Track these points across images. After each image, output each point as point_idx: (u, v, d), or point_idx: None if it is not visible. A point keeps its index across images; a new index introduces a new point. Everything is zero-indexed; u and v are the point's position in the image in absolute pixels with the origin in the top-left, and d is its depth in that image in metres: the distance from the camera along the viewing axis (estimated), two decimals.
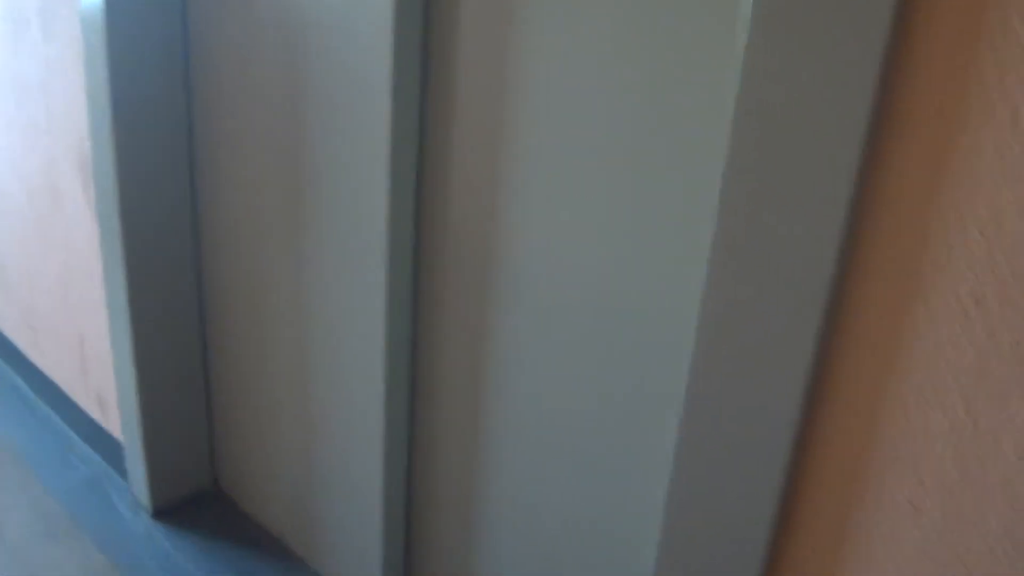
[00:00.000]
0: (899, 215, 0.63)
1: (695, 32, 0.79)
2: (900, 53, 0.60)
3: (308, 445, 1.35)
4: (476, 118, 1.00)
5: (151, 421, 1.50)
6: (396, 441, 1.22)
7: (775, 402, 0.70)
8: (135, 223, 1.35)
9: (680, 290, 0.87)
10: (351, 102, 1.06)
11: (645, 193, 0.87)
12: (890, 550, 0.69)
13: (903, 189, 0.62)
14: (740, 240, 0.69)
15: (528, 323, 1.02)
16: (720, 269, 0.71)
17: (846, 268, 0.66)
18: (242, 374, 1.45)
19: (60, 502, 1.77)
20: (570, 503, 1.05)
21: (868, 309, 0.66)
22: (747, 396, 0.72)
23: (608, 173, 0.89)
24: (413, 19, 1.00)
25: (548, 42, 0.91)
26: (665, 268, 0.87)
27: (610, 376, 0.95)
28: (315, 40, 1.09)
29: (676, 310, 0.88)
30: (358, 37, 1.02)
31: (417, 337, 1.18)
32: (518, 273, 1.01)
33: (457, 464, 1.18)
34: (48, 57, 1.49)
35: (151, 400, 1.49)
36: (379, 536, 1.26)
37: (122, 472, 1.63)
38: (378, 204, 1.06)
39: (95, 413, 1.75)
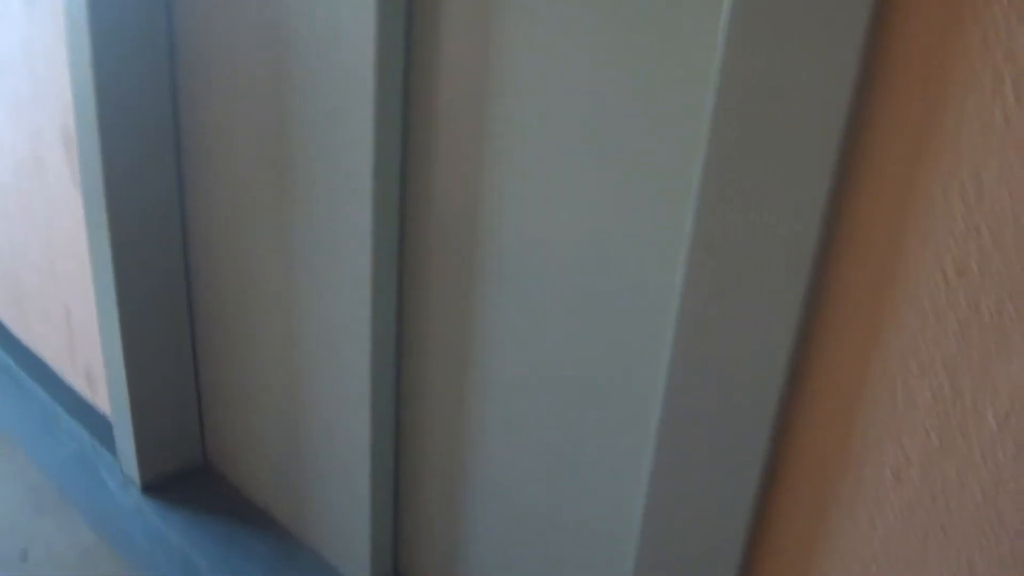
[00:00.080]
0: (882, 186, 0.63)
1: (677, 10, 0.78)
2: (885, 23, 0.60)
3: (296, 419, 1.35)
4: (461, 103, 1.00)
5: (139, 396, 1.50)
6: (383, 416, 1.22)
7: (759, 377, 0.71)
8: (120, 196, 1.34)
9: (663, 272, 0.87)
10: (335, 76, 1.05)
11: (628, 173, 0.86)
12: (873, 520, 0.70)
13: (886, 160, 0.62)
14: (721, 219, 0.69)
15: (513, 304, 1.02)
16: (702, 247, 0.71)
17: (829, 241, 0.66)
18: (230, 349, 1.45)
19: (49, 477, 1.77)
20: (555, 477, 1.05)
21: (851, 282, 0.66)
22: (730, 371, 0.72)
23: (592, 156, 0.89)
24: (397, 5, 0.99)
25: (532, 24, 0.90)
26: (648, 249, 0.87)
27: (593, 353, 0.96)
28: (299, 14, 1.08)
29: (659, 291, 0.88)
30: (342, 22, 1.01)
31: (403, 316, 1.17)
32: (503, 255, 1.01)
33: (444, 437, 1.19)
34: (30, 31, 1.47)
35: (139, 375, 1.48)
36: (367, 509, 1.26)
37: (111, 447, 1.63)
38: (363, 184, 1.06)
39: (83, 388, 1.75)
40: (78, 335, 1.68)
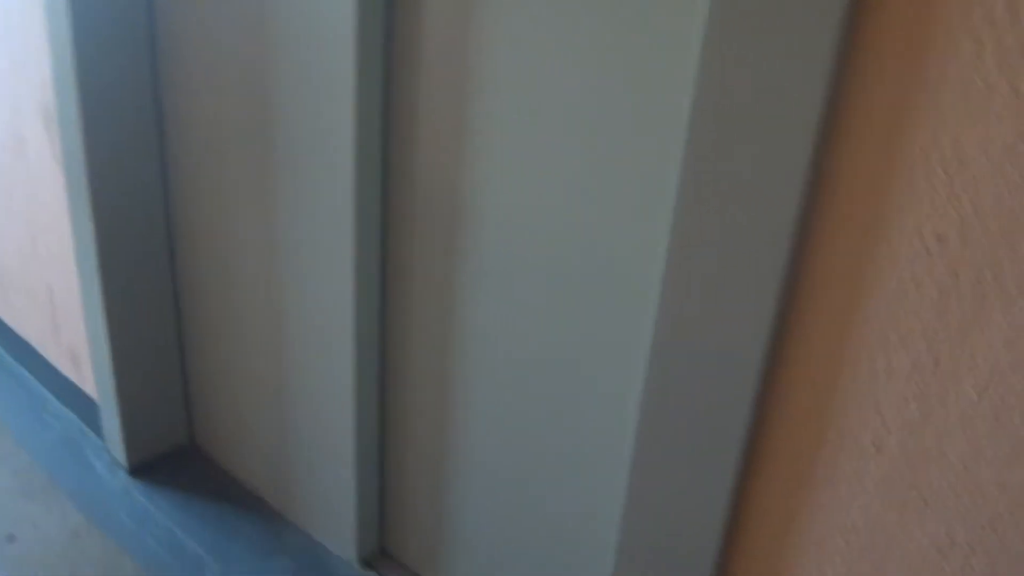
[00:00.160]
0: (864, 154, 0.62)
1: None
2: None
3: (282, 400, 1.35)
4: (442, 90, 0.99)
5: (125, 378, 1.49)
6: (368, 398, 1.22)
7: (740, 347, 0.71)
8: (102, 174, 1.33)
9: (648, 245, 0.86)
10: (315, 61, 1.04)
11: (610, 160, 0.86)
12: (853, 488, 0.70)
13: (868, 127, 0.62)
14: (705, 189, 0.68)
15: (496, 289, 1.02)
16: (685, 218, 0.70)
17: (811, 209, 0.66)
18: (216, 330, 1.44)
19: (36, 460, 1.76)
20: (537, 457, 1.05)
21: (832, 250, 0.66)
22: (712, 340, 0.72)
23: (574, 126, 0.88)
24: None
25: (517, 5, 0.89)
26: (630, 232, 0.87)
27: (576, 323, 0.96)
28: None
29: (644, 264, 0.87)
30: (322, 5, 1.00)
31: (386, 295, 1.17)
32: (486, 240, 1.01)
33: (428, 419, 1.19)
34: (6, 3, 1.45)
35: (124, 357, 1.48)
36: (353, 489, 1.26)
37: (98, 430, 1.63)
38: (345, 168, 1.05)
39: (68, 371, 1.74)
40: (61, 315, 1.66)
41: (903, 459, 0.66)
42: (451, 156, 1.01)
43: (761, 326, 0.69)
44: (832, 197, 0.65)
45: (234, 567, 1.36)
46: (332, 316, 1.17)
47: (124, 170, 1.35)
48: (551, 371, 1.01)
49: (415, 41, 1.01)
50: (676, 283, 0.73)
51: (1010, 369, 0.59)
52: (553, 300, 0.97)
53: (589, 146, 0.88)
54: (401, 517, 1.32)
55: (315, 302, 1.20)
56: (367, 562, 1.35)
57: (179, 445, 1.63)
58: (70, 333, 1.66)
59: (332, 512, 1.33)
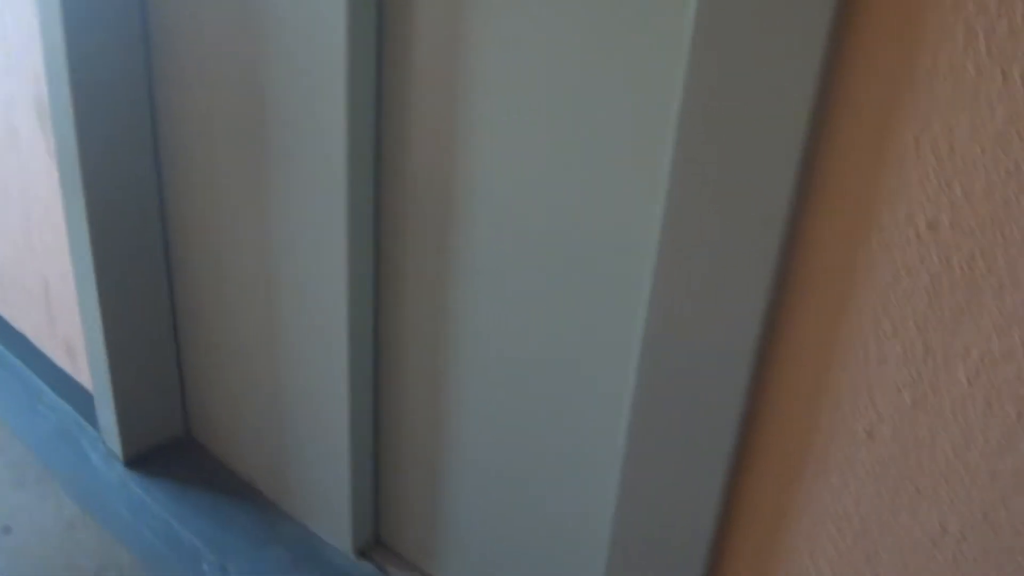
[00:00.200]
0: (856, 142, 0.62)
1: None
2: None
3: (277, 391, 1.35)
4: (434, 85, 0.99)
5: (120, 369, 1.49)
6: (363, 388, 1.22)
7: (731, 339, 0.71)
8: (96, 168, 1.32)
9: (641, 241, 0.86)
10: (308, 54, 1.04)
11: (602, 141, 0.86)
12: (845, 477, 0.70)
13: (859, 114, 0.62)
14: (695, 180, 0.68)
15: (490, 282, 1.02)
16: (676, 209, 0.70)
17: (802, 198, 0.66)
18: (211, 322, 1.44)
19: (31, 452, 1.76)
20: (532, 448, 1.06)
21: (825, 239, 0.66)
22: (704, 333, 0.72)
23: (566, 123, 0.88)
24: None
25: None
26: (625, 218, 0.87)
27: (568, 318, 0.96)
28: None
29: (637, 261, 0.87)
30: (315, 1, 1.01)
31: (380, 286, 1.17)
32: (479, 233, 1.01)
33: (423, 410, 1.19)
34: None
35: (119, 348, 1.47)
36: (348, 479, 1.27)
37: (93, 421, 1.63)
38: (338, 160, 1.05)
39: (63, 362, 1.74)
40: (57, 307, 1.66)
41: (896, 446, 0.66)
42: (443, 154, 1.01)
43: (753, 318, 0.69)
44: (824, 186, 0.65)
45: (230, 557, 1.36)
46: (327, 307, 1.17)
47: (118, 163, 1.35)
48: (543, 366, 1.01)
49: (407, 38, 1.00)
50: (667, 276, 0.73)
51: (1001, 356, 0.59)
52: (545, 295, 0.97)
53: (581, 143, 0.88)
54: (396, 507, 1.32)
55: (309, 294, 1.20)
56: (362, 552, 1.35)
57: (174, 436, 1.63)
58: (65, 325, 1.66)
59: (327, 502, 1.33)
